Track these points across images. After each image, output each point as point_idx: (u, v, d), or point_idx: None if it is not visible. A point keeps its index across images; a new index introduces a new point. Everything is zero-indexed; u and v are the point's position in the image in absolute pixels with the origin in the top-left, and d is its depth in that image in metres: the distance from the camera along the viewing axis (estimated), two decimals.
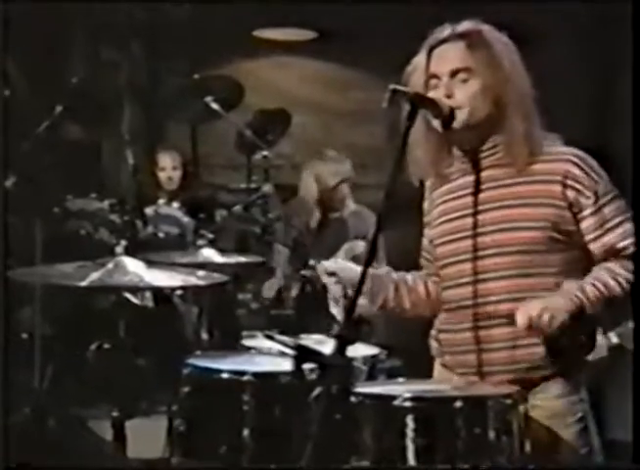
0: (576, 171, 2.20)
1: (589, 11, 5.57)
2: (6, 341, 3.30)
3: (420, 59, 2.28)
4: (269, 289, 4.70)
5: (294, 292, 4.61)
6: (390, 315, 2.51)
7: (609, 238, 2.20)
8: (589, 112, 5.73)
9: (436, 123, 2.23)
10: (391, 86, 2.09)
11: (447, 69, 2.22)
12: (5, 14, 3.68)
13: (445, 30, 2.26)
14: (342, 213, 4.71)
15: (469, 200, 2.28)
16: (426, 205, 2.44)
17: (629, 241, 2.20)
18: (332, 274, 2.38)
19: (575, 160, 2.22)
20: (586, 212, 2.20)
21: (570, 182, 2.20)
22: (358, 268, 2.36)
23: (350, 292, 2.34)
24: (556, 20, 5.57)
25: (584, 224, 2.21)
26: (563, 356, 2.21)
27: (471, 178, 2.29)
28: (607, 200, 2.21)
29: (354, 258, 2.78)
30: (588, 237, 2.22)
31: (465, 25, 2.25)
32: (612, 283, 2.17)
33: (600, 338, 3.26)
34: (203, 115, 5.11)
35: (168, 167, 5.32)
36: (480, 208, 2.26)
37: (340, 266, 2.41)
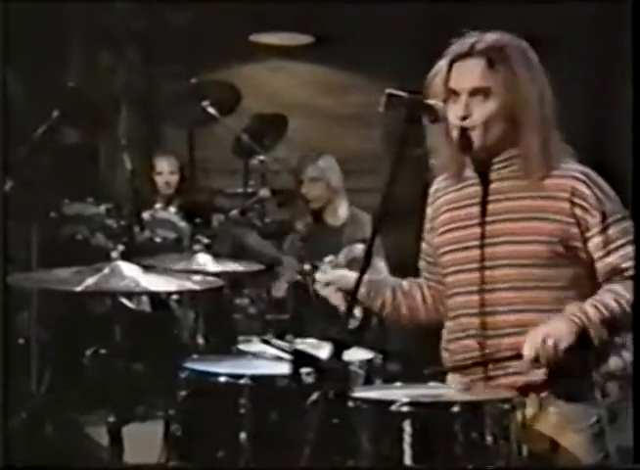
0: (584, 189, 2.21)
1: (586, 14, 5.58)
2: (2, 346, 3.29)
3: (441, 67, 2.28)
4: (278, 290, 4.70)
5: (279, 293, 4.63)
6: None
7: (612, 259, 2.21)
8: (587, 117, 5.74)
9: (455, 145, 2.24)
10: (387, 90, 2.10)
11: (467, 86, 2.22)
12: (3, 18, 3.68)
13: (467, 43, 2.25)
14: (336, 218, 4.73)
15: (476, 210, 2.29)
16: (429, 211, 2.44)
17: (627, 263, 2.20)
18: (329, 284, 2.39)
19: (583, 178, 2.23)
20: (592, 232, 2.21)
21: (577, 200, 2.21)
22: (354, 275, 2.37)
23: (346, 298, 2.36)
24: (553, 24, 5.57)
25: (590, 243, 2.22)
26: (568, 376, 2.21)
27: (478, 188, 2.30)
28: (613, 220, 2.22)
29: (353, 261, 2.80)
30: (594, 256, 2.23)
31: (487, 39, 2.24)
32: (614, 305, 2.16)
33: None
34: (199, 119, 5.11)
35: (166, 172, 5.32)
36: (488, 219, 2.27)
37: (334, 276, 2.43)
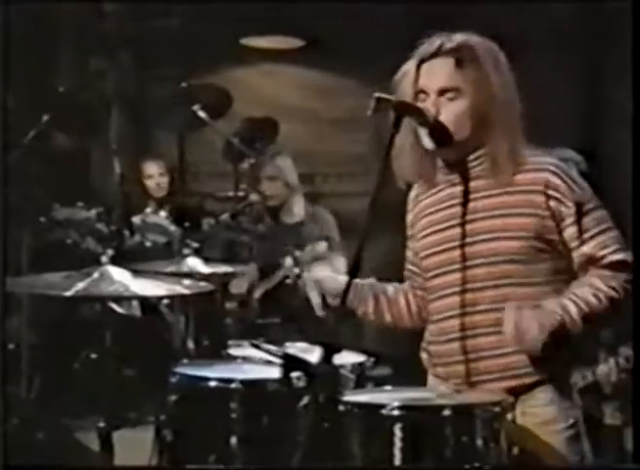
0: (557, 181, 2.22)
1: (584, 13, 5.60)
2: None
3: (409, 68, 2.27)
4: (237, 287, 4.70)
5: (258, 293, 4.62)
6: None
7: (587, 247, 2.21)
8: (581, 118, 5.75)
9: (428, 142, 2.24)
10: (376, 94, 2.10)
11: (436, 86, 2.23)
12: None
13: (436, 42, 2.24)
14: (292, 216, 4.76)
15: (456, 210, 2.29)
16: (410, 217, 2.44)
17: (607, 250, 2.21)
18: (316, 283, 2.40)
19: (556, 170, 2.23)
20: (566, 222, 2.22)
21: (551, 192, 2.21)
22: (342, 278, 2.37)
23: (331, 301, 2.36)
24: (545, 26, 5.58)
25: (565, 234, 2.23)
26: (546, 364, 2.22)
27: (457, 189, 2.30)
28: (586, 209, 2.22)
29: (316, 258, 2.86)
30: (569, 246, 2.23)
31: (456, 40, 2.24)
32: (593, 301, 2.17)
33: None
34: (190, 123, 5.12)
35: (156, 174, 5.34)
36: (468, 218, 2.27)
37: (325, 276, 2.44)
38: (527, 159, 2.25)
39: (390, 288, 2.48)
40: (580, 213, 2.21)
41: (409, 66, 2.28)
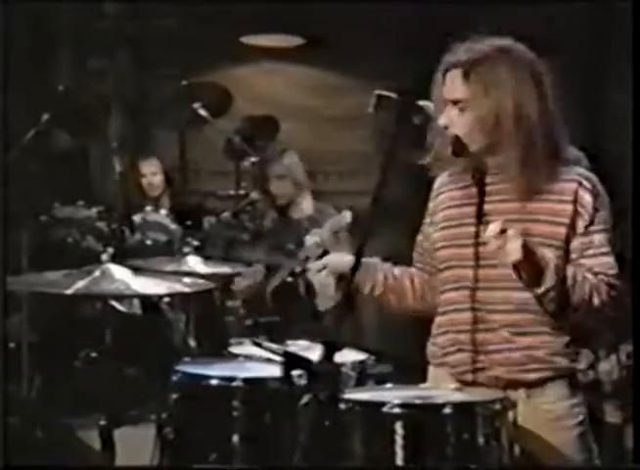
0: (586, 195, 2.24)
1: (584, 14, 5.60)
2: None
3: (437, 77, 2.31)
4: (239, 284, 4.70)
5: (271, 286, 4.61)
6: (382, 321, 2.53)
7: (587, 261, 2.23)
8: (580, 117, 5.74)
9: (446, 151, 2.28)
10: (376, 92, 2.11)
11: (450, 97, 2.27)
12: None
13: (457, 50, 2.27)
14: (300, 212, 4.75)
15: (472, 210, 2.31)
16: (431, 205, 2.47)
17: (606, 271, 2.22)
18: (322, 269, 2.42)
19: (587, 184, 2.26)
20: (577, 233, 2.24)
21: (578, 204, 2.24)
22: (345, 256, 2.40)
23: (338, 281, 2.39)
24: (544, 26, 5.58)
25: (572, 244, 2.24)
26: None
27: (475, 190, 2.32)
28: (599, 228, 2.25)
29: (338, 231, 2.84)
30: (570, 256, 2.24)
31: (470, 50, 2.26)
32: (579, 278, 2.18)
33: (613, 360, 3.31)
34: (191, 121, 5.12)
35: (148, 173, 5.35)
36: (485, 218, 2.28)
37: (326, 260, 2.46)
38: (557, 168, 2.26)
39: (397, 269, 2.50)
40: (593, 230, 2.23)
41: (438, 75, 2.32)
